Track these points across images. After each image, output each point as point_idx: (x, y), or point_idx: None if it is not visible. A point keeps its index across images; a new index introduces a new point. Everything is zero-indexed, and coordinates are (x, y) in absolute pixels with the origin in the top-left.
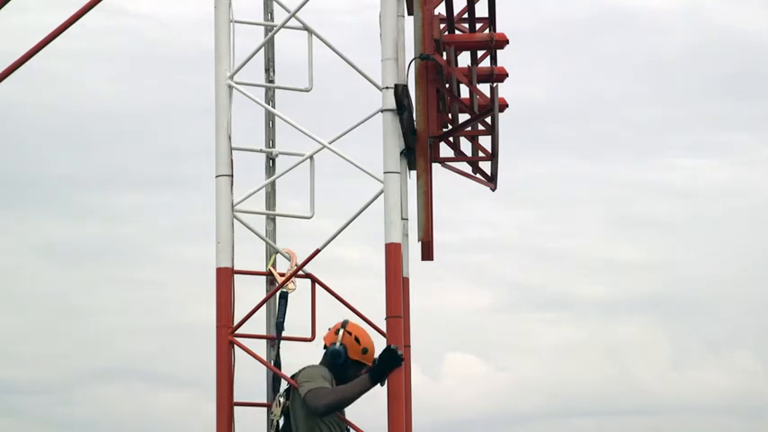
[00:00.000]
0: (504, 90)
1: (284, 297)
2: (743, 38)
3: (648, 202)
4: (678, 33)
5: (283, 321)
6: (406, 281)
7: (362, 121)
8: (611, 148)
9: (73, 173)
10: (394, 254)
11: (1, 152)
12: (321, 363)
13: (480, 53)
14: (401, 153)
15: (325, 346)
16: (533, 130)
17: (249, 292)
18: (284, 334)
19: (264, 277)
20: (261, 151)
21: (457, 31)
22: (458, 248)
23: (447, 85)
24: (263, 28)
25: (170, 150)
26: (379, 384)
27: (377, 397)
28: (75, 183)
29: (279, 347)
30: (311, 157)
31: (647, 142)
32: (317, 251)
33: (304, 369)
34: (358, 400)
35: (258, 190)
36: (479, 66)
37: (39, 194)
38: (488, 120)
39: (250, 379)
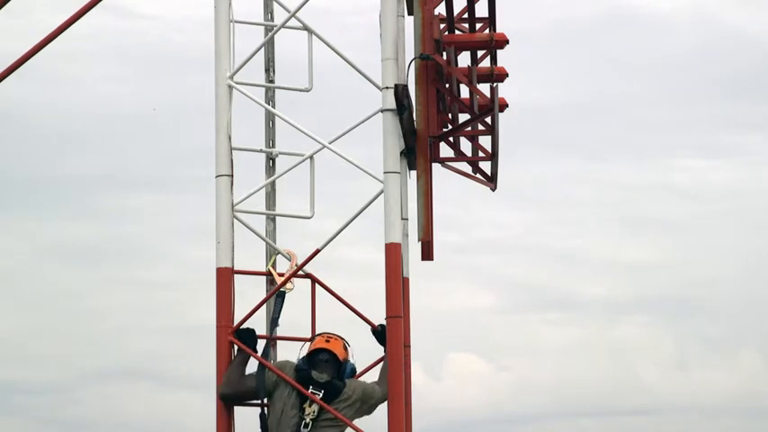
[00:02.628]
0: (509, 91)
1: (281, 296)
2: (748, 38)
3: (653, 203)
4: (683, 34)
5: (278, 318)
6: (406, 281)
7: (362, 121)
8: (615, 148)
9: (77, 173)
10: (394, 254)
11: (6, 153)
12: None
13: (480, 53)
14: (401, 153)
15: (345, 359)
16: (537, 131)
17: (249, 292)
18: (284, 334)
19: (264, 277)
20: (261, 151)
21: (457, 31)
22: (462, 249)
23: (447, 85)
24: (263, 28)
25: (175, 151)
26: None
27: None
28: (79, 183)
29: (269, 343)
30: (311, 157)
31: (652, 143)
32: (317, 251)
33: (358, 383)
34: None
35: (258, 190)
36: (479, 66)
37: (43, 195)
38: (488, 120)
39: None
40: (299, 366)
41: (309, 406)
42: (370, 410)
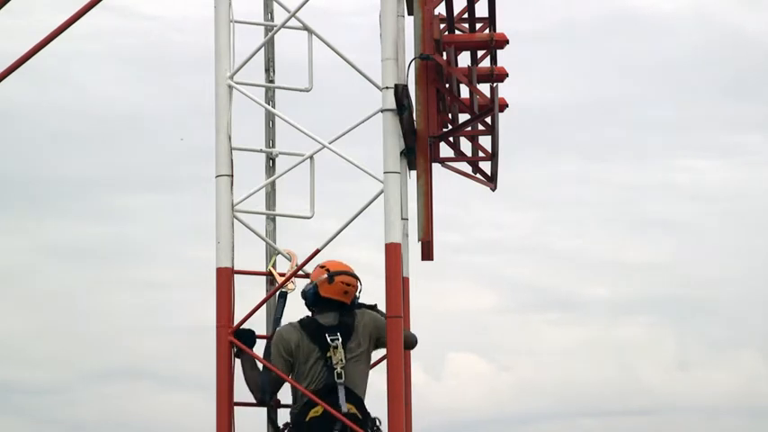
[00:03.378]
0: (509, 91)
1: (283, 296)
2: (750, 39)
3: (654, 203)
4: (685, 34)
5: (280, 318)
6: (406, 281)
7: (362, 121)
8: (616, 148)
9: (78, 173)
10: (394, 254)
11: (7, 153)
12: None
13: (480, 53)
14: (401, 153)
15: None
16: (540, 132)
17: (249, 292)
18: None
19: (264, 277)
20: (261, 151)
21: (457, 31)
22: (463, 249)
23: (447, 85)
24: (263, 28)
25: (175, 151)
26: None
27: (377, 396)
28: (79, 183)
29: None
30: (311, 157)
31: (653, 143)
32: (317, 251)
33: (366, 313)
34: None
35: (258, 190)
36: (479, 66)
37: (43, 195)
38: (488, 120)
39: None
40: (305, 321)
41: (334, 353)
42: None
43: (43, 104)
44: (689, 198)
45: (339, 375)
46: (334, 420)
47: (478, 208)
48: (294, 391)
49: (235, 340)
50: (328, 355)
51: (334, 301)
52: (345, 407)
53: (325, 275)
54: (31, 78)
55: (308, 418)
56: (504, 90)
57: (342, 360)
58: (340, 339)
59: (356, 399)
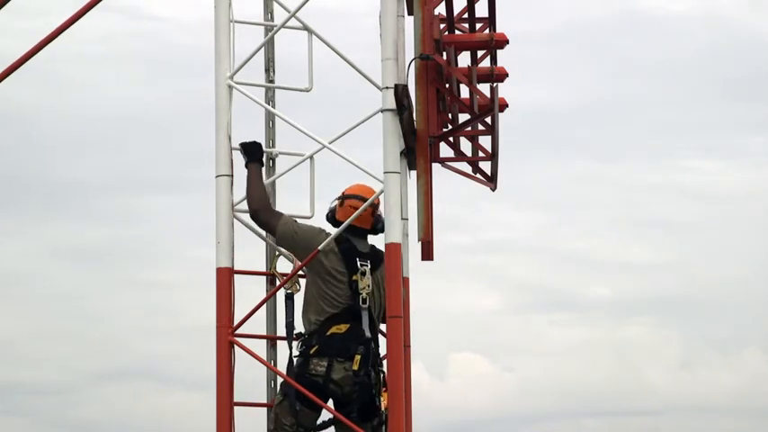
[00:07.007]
0: (511, 91)
1: (290, 298)
2: (758, 40)
3: (659, 204)
4: (693, 36)
5: (293, 321)
6: (406, 281)
7: (362, 121)
8: (623, 150)
9: (81, 175)
10: (394, 254)
11: (15, 155)
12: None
13: (480, 53)
14: (401, 153)
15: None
16: (545, 133)
17: (250, 292)
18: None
19: (265, 277)
20: None
21: (457, 31)
22: (467, 249)
23: (447, 85)
24: (263, 28)
25: (177, 152)
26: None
27: None
28: (83, 184)
29: (291, 347)
30: (311, 157)
31: (659, 144)
32: (317, 251)
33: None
34: None
35: None
36: (479, 66)
37: (46, 196)
38: (488, 120)
39: (250, 379)
40: (341, 238)
41: (362, 279)
42: None
43: (49, 106)
44: (693, 199)
45: (364, 301)
46: (357, 341)
47: (484, 209)
48: (311, 303)
49: (235, 341)
50: (354, 278)
51: (358, 229)
52: (368, 332)
53: (337, 200)
54: (37, 80)
55: (329, 333)
56: (504, 90)
57: (368, 286)
58: (369, 266)
59: (376, 329)
